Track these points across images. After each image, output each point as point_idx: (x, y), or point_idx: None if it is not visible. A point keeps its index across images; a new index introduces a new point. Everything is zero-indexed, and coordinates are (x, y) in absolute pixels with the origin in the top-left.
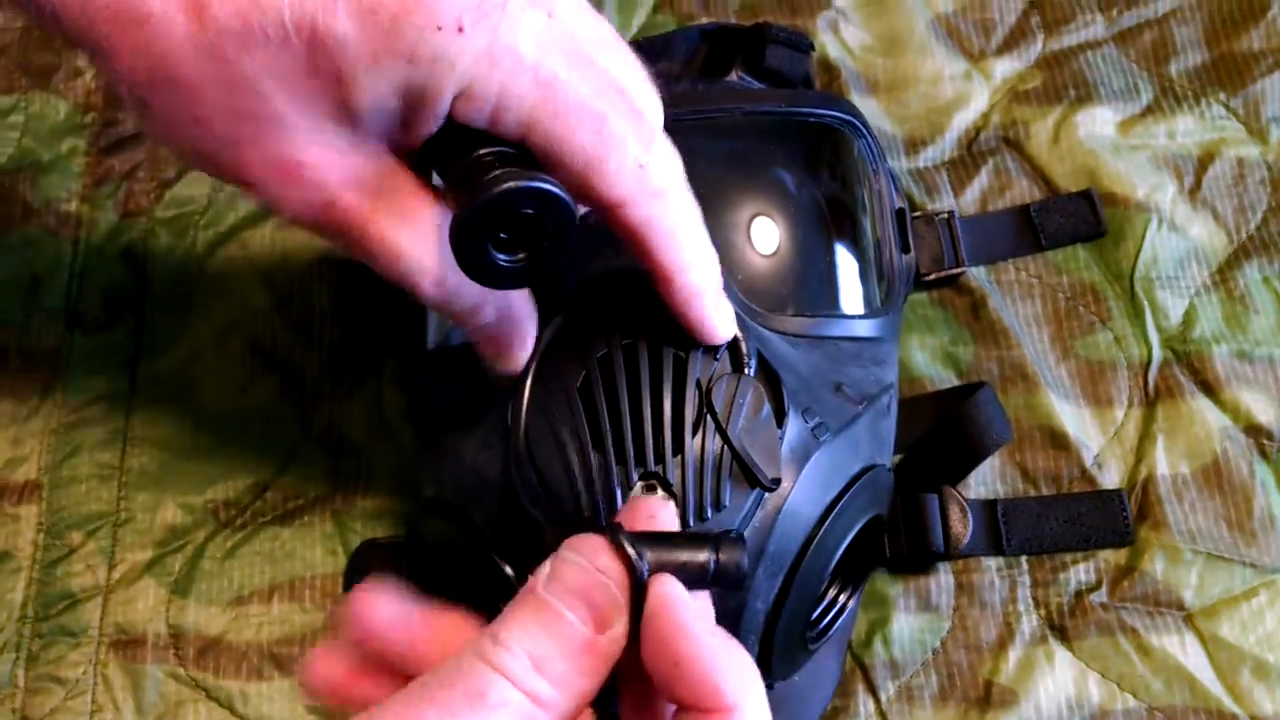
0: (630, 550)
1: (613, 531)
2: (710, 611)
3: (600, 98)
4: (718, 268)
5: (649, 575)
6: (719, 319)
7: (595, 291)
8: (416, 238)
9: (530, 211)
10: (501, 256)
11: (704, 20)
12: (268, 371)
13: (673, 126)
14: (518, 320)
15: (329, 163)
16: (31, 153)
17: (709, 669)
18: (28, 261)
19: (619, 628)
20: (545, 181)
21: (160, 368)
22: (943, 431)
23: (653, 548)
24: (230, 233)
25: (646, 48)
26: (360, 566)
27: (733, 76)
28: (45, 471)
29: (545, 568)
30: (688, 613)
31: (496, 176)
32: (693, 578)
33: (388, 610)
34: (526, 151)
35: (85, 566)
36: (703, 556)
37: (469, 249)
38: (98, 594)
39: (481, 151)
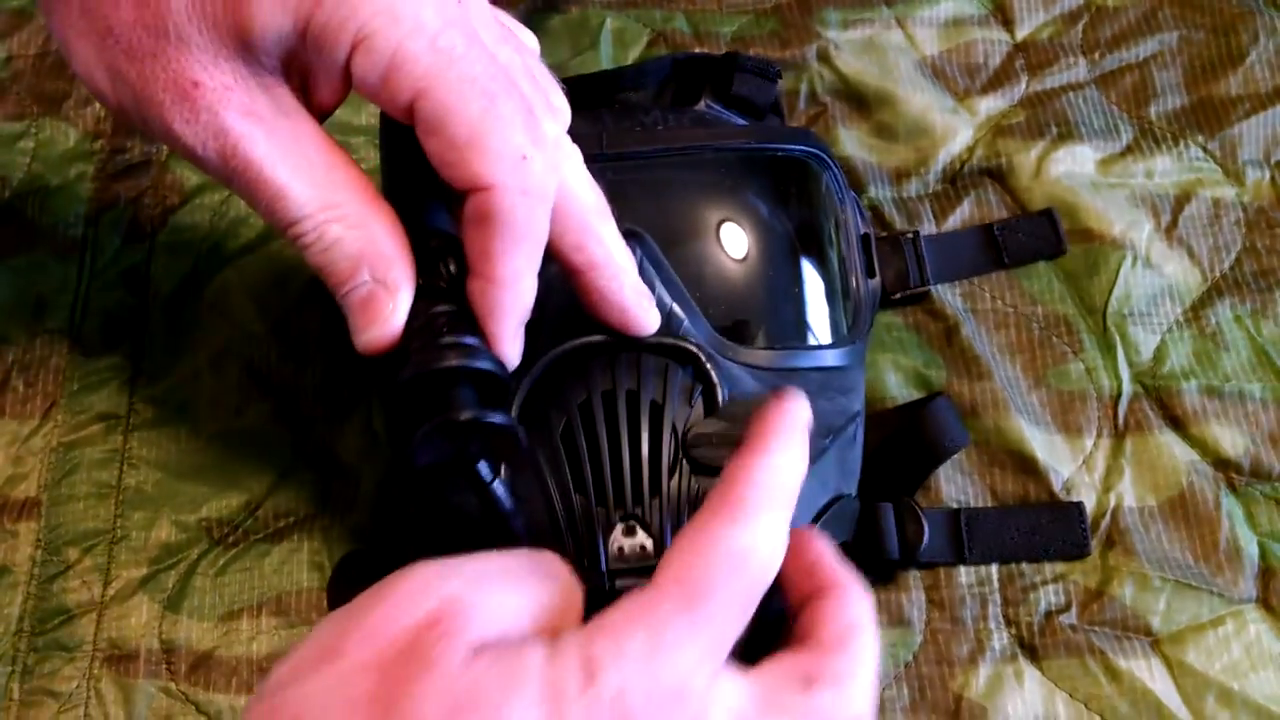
0: None
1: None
2: None
3: (493, 80)
4: (524, 304)
5: None
6: (509, 344)
7: (574, 353)
8: (302, 180)
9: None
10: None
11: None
12: (262, 394)
13: (643, 162)
14: (395, 283)
15: (224, 85)
16: (40, 177)
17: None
18: (34, 283)
19: None
20: (488, 361)
21: (158, 390)
22: (899, 438)
23: None
24: (229, 259)
25: (620, 77)
26: (344, 577)
27: (701, 105)
28: (44, 489)
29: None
30: None
31: (447, 345)
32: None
33: None
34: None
35: (81, 582)
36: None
37: (405, 411)
38: (93, 609)
39: (437, 310)
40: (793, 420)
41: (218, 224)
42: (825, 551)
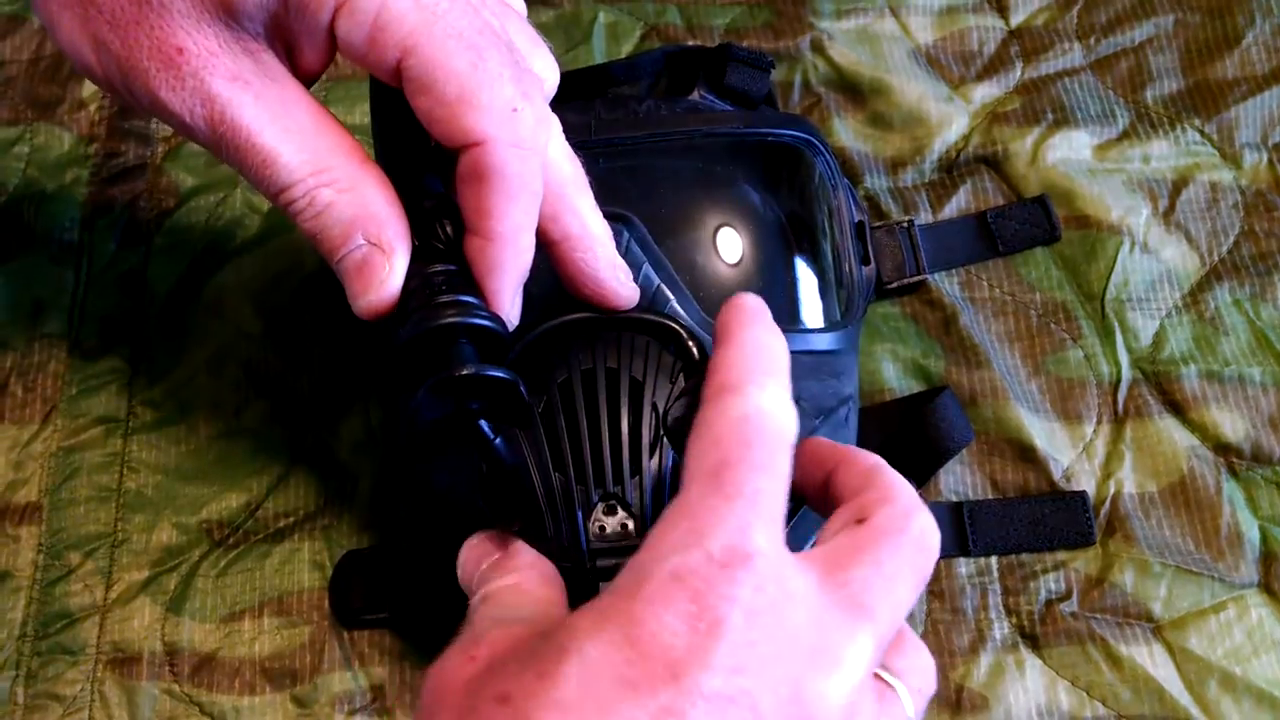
0: None
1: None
2: None
3: (479, 34)
4: (524, 261)
5: None
6: (509, 302)
7: (556, 331)
8: (291, 145)
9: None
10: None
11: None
12: (260, 395)
13: (635, 148)
14: (390, 245)
15: (209, 51)
16: (36, 182)
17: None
18: (31, 288)
19: None
20: (487, 318)
21: (157, 392)
22: (905, 435)
23: None
24: (225, 261)
25: (613, 71)
26: (345, 577)
27: (695, 95)
28: (45, 494)
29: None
30: None
31: (443, 304)
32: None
33: None
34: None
35: (83, 586)
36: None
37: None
38: (95, 613)
39: (433, 269)
40: (749, 305)
41: (213, 226)
42: (829, 441)
